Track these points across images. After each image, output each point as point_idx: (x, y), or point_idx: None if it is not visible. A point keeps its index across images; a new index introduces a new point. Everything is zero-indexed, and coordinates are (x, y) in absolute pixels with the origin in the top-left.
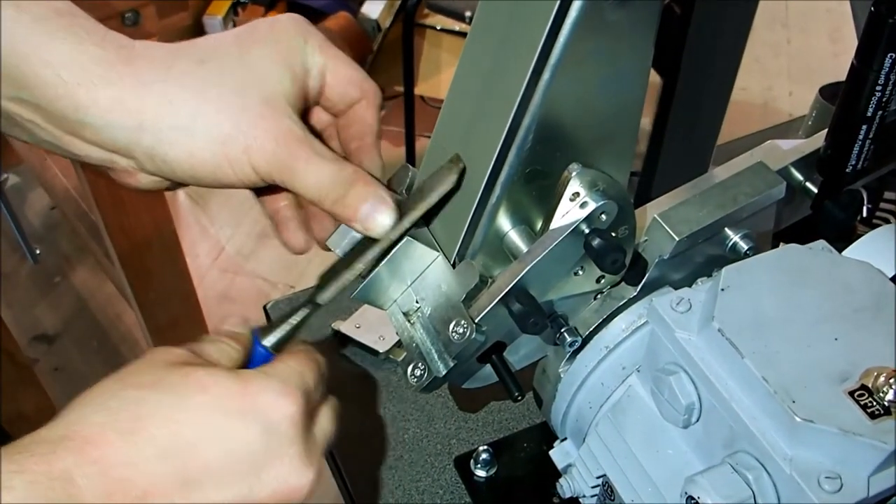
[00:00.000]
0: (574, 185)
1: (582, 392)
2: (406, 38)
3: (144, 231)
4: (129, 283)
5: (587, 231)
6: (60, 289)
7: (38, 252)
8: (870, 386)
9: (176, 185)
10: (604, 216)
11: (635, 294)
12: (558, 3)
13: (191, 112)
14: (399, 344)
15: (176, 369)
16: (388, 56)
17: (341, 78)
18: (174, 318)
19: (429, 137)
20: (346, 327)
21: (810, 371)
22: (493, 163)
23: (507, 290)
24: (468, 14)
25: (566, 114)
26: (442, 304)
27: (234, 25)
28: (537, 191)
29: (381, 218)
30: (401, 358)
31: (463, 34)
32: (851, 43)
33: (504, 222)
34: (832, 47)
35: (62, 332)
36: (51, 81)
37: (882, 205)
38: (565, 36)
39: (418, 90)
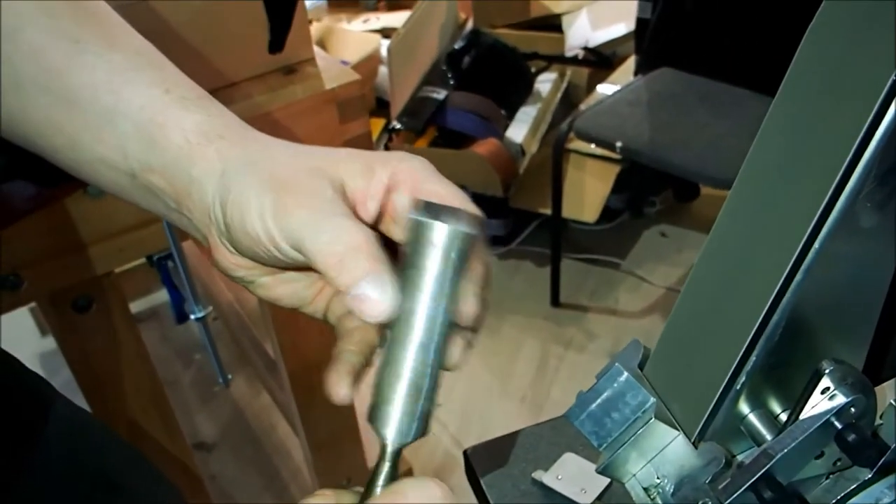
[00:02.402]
0: (825, 381)
1: None
2: (556, 165)
3: (315, 353)
4: (296, 401)
5: (838, 424)
6: (219, 398)
7: (230, 377)
8: None
9: (266, 272)
10: (853, 409)
11: (870, 476)
12: (818, 214)
13: (256, 181)
14: (601, 496)
15: None
16: (533, 178)
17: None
18: (334, 434)
19: (572, 258)
20: (547, 478)
21: None
22: (741, 355)
23: (758, 476)
24: (619, 144)
25: (812, 310)
26: (685, 483)
27: (386, 149)
28: (777, 378)
29: (376, 299)
30: None
31: (604, 158)
32: None
33: (744, 406)
34: None
35: (219, 440)
36: (178, 143)
37: None
38: (820, 242)
39: (563, 212)
